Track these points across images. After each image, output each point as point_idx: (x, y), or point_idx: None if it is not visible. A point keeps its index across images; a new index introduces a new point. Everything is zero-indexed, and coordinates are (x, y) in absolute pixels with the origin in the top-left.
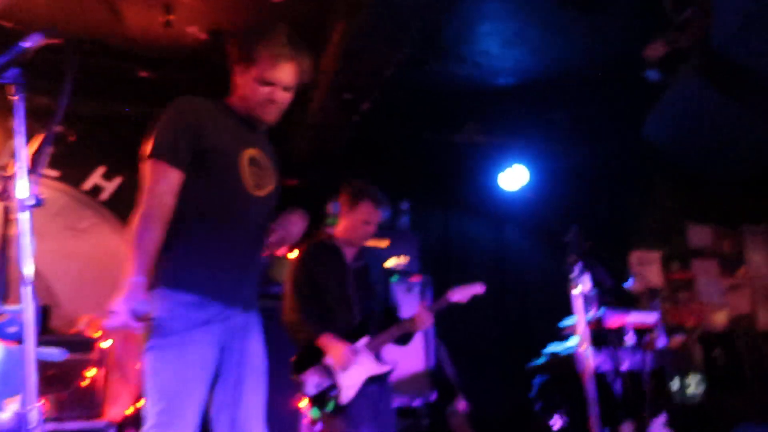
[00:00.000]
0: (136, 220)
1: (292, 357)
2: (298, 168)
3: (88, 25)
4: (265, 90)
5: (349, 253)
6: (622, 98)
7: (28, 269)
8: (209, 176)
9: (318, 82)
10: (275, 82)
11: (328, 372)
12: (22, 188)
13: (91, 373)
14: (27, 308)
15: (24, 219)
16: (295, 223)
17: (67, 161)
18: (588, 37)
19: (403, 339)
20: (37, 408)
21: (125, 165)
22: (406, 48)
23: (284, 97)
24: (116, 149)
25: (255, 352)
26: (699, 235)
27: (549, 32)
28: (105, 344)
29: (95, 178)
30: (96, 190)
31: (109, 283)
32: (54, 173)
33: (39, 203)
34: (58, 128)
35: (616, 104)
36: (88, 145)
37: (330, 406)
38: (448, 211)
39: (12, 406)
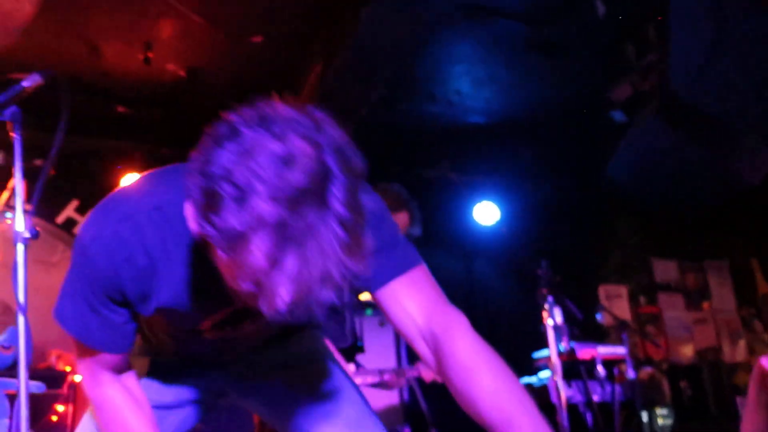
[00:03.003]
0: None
1: None
2: None
3: (67, 61)
4: None
5: None
6: (587, 138)
7: (22, 297)
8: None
9: None
10: None
11: None
12: (19, 222)
13: (60, 408)
14: (21, 337)
15: (20, 251)
16: None
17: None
18: (554, 79)
19: None
20: None
21: (98, 199)
22: (381, 88)
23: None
24: (89, 183)
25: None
26: (664, 269)
27: (517, 74)
28: (76, 378)
29: (68, 211)
30: (69, 224)
31: None
32: (27, 207)
33: (35, 235)
34: (37, 162)
35: (581, 143)
36: (61, 179)
37: None
38: (418, 245)
39: None
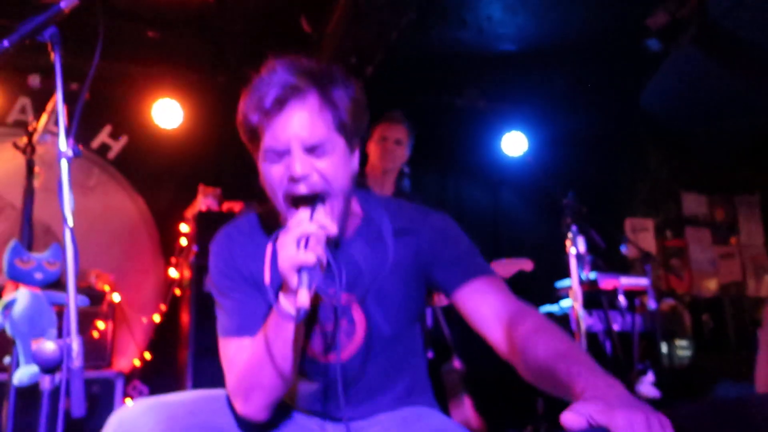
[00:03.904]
0: None
1: None
2: None
3: None
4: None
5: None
6: (620, 67)
7: (69, 213)
8: None
9: (324, 46)
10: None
11: None
12: (62, 140)
13: (100, 325)
14: (68, 249)
15: (63, 168)
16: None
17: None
18: (589, 6)
19: None
20: (78, 340)
21: (131, 124)
22: (411, 12)
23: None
24: (122, 109)
25: None
26: (693, 203)
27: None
28: (114, 297)
29: (102, 136)
30: (104, 149)
31: (116, 239)
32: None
33: (78, 154)
34: (73, 87)
35: (615, 73)
36: (95, 104)
37: None
38: (445, 174)
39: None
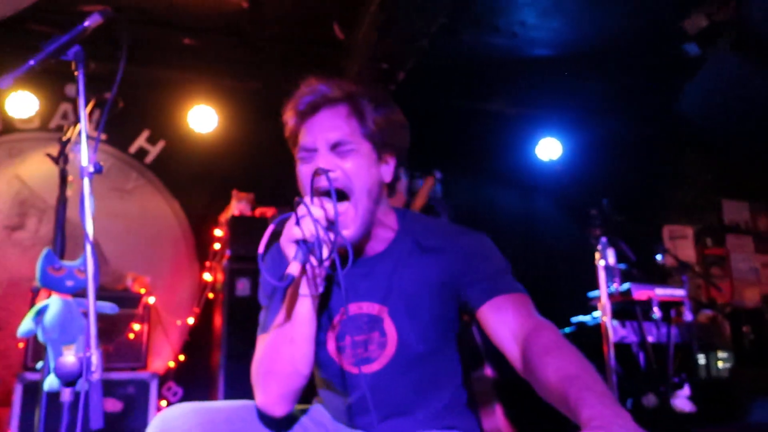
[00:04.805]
0: None
1: None
2: None
3: None
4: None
5: None
6: (658, 71)
7: (90, 229)
8: None
9: (355, 53)
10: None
11: None
12: (84, 156)
13: (136, 327)
14: (89, 263)
15: (85, 184)
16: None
17: (113, 125)
18: (625, 9)
19: None
20: (97, 353)
21: (168, 129)
22: (442, 18)
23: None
24: (159, 114)
25: None
26: (734, 210)
27: (587, 3)
28: (150, 300)
29: (140, 141)
30: (141, 153)
31: (152, 242)
32: (102, 136)
33: (99, 170)
34: (108, 94)
35: (652, 77)
36: (133, 109)
37: None
38: (478, 179)
39: (70, 353)
